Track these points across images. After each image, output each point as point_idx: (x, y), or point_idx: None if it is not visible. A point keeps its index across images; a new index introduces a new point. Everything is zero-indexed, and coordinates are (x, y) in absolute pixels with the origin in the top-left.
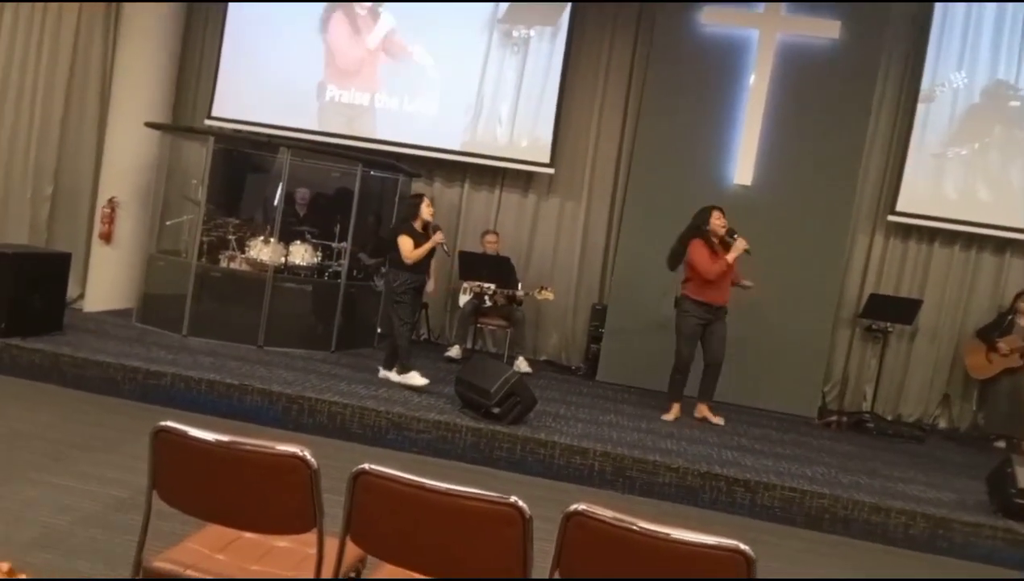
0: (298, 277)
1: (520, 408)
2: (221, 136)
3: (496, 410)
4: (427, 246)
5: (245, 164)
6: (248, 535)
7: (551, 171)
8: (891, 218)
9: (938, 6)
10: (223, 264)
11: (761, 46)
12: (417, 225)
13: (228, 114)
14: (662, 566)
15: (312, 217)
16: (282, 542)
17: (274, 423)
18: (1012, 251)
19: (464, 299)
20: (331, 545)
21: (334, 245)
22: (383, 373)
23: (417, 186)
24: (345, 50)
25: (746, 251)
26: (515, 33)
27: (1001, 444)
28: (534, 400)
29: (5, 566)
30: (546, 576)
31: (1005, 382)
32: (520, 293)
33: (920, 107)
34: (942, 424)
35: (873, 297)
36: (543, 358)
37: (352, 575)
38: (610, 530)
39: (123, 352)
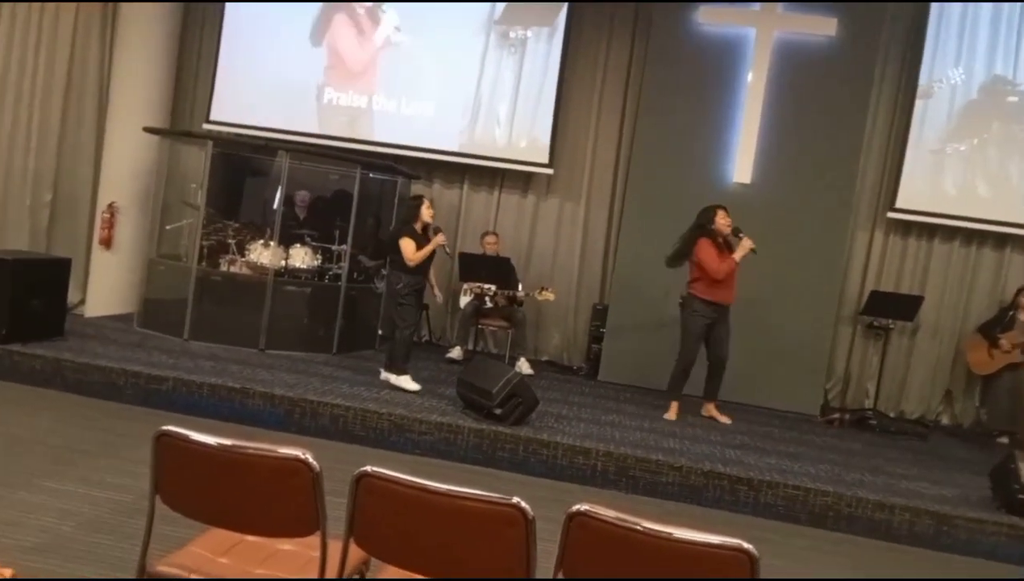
0: (299, 280)
1: (522, 409)
2: (219, 140)
3: (498, 411)
4: (429, 248)
5: (244, 167)
6: (251, 538)
7: (550, 171)
8: (891, 215)
9: (934, 3)
10: (223, 268)
11: (758, 44)
12: (417, 227)
13: (226, 117)
14: (665, 566)
15: (312, 220)
16: (285, 545)
17: (276, 426)
18: (1012, 246)
19: (465, 300)
20: (334, 548)
21: (334, 248)
22: (384, 375)
23: (416, 188)
24: (352, 51)
25: (752, 250)
26: (512, 34)
27: (1004, 440)
28: (536, 401)
29: (8, 572)
30: (549, 577)
31: (1007, 378)
32: (521, 294)
33: (918, 103)
34: (945, 420)
35: (874, 294)
36: (544, 359)
37: (356, 577)
38: (613, 530)
39: (124, 357)
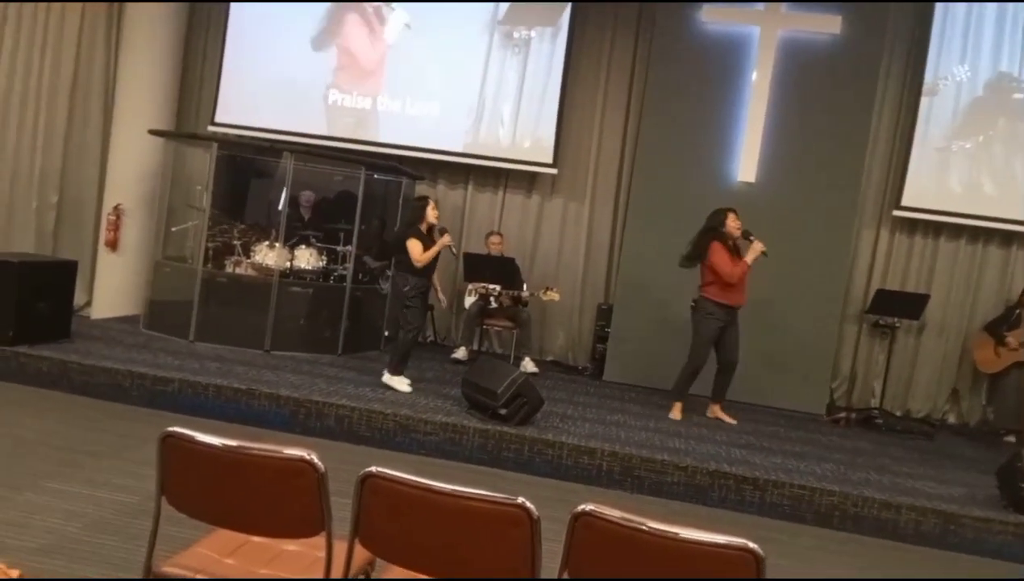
0: (303, 281)
1: (527, 409)
2: (224, 142)
3: (503, 411)
4: (436, 249)
5: (249, 169)
6: (257, 539)
7: (554, 171)
8: (896, 213)
9: (939, 2)
10: (229, 269)
11: (762, 43)
12: (423, 228)
13: (231, 119)
14: (671, 566)
15: (316, 221)
16: (291, 546)
17: (282, 427)
18: (1019, 244)
19: (469, 301)
20: (340, 548)
21: (339, 249)
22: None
23: (420, 188)
24: (365, 50)
25: (763, 253)
26: (516, 34)
27: (1011, 438)
28: (541, 401)
29: (15, 573)
30: (554, 577)
31: (1014, 376)
32: (525, 294)
33: (923, 101)
34: (951, 419)
35: (880, 292)
36: (549, 358)
37: (361, 578)
38: (618, 530)
39: (130, 358)
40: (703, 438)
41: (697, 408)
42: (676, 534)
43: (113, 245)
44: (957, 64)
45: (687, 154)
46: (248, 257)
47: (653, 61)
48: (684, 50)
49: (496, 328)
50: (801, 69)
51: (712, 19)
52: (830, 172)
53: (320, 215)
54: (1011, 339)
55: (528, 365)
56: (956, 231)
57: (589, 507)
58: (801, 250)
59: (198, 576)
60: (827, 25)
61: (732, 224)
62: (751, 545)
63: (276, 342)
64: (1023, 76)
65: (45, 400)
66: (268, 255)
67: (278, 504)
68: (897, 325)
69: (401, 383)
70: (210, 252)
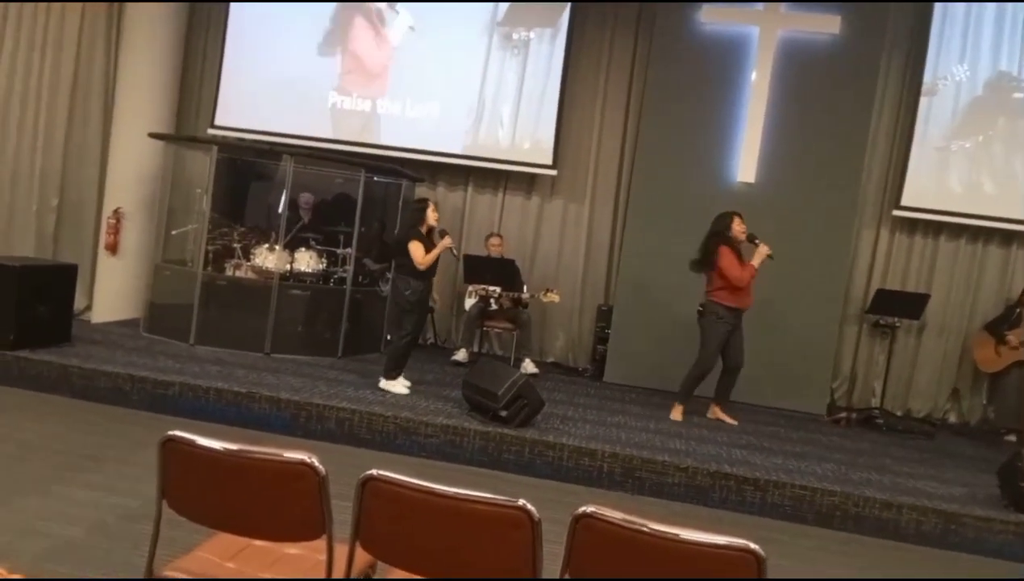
0: (303, 284)
1: (528, 411)
2: (224, 145)
3: (504, 413)
4: (437, 250)
5: (249, 172)
6: (258, 543)
7: (554, 173)
8: (896, 213)
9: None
10: (229, 272)
11: (762, 43)
12: (423, 230)
13: (231, 122)
14: (672, 567)
15: (316, 223)
16: (292, 549)
17: (283, 430)
18: (1019, 243)
19: (470, 303)
20: (341, 551)
21: (339, 251)
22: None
23: (420, 190)
24: (371, 53)
25: (769, 257)
26: (515, 35)
27: (1011, 438)
28: (541, 402)
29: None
30: (556, 578)
31: (1014, 375)
32: (525, 295)
33: (923, 101)
34: (952, 419)
35: (880, 292)
36: (550, 360)
37: (362, 580)
38: (619, 531)
39: (131, 362)
40: (704, 439)
41: (698, 409)
42: (677, 535)
43: (113, 249)
44: (956, 63)
45: (687, 154)
46: (248, 260)
47: (652, 62)
48: (683, 50)
49: (496, 330)
50: (800, 69)
51: (711, 19)
52: (830, 172)
53: (320, 217)
54: (1011, 338)
55: (528, 367)
56: (956, 230)
57: (590, 509)
58: (801, 250)
59: (199, 580)
60: (826, 25)
61: (738, 228)
62: (752, 546)
63: (276, 345)
64: (1022, 75)
65: (46, 404)
66: (268, 258)
67: (279, 507)
68: (897, 325)
69: (398, 386)
70: (210, 255)
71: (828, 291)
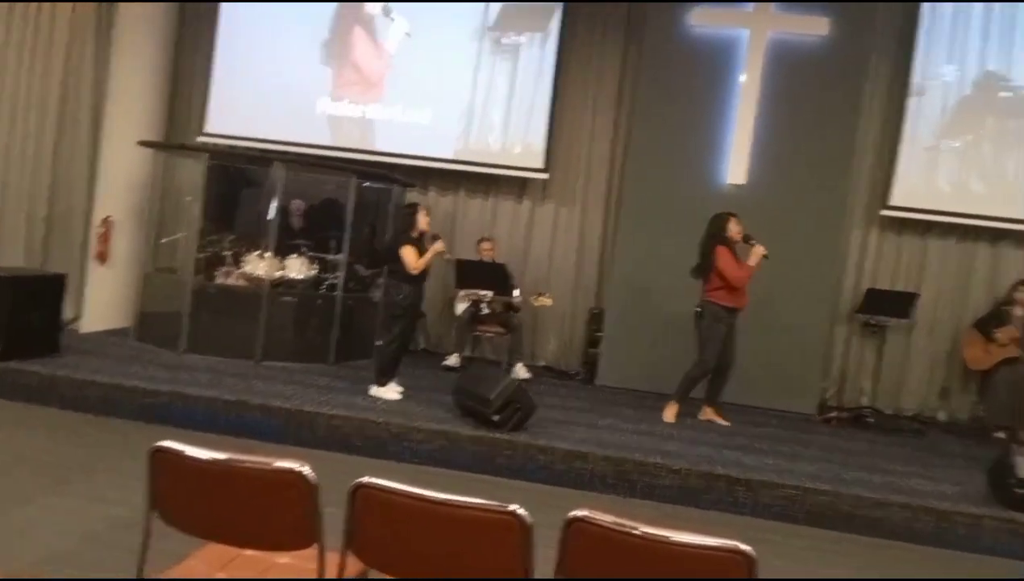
0: (294, 290)
1: (520, 415)
2: (215, 153)
3: (496, 418)
4: (429, 255)
5: (239, 179)
6: (248, 552)
7: (545, 176)
8: (885, 212)
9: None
10: (219, 280)
11: (751, 45)
12: (414, 235)
13: (222, 129)
14: (663, 569)
15: (307, 230)
16: (283, 558)
17: (274, 438)
18: (1007, 242)
19: (461, 307)
20: (332, 560)
21: (330, 257)
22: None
23: (411, 196)
24: (369, 62)
25: (764, 257)
26: (505, 40)
27: (1001, 435)
28: (533, 406)
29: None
30: None
31: (1004, 373)
32: (517, 300)
33: (911, 101)
34: (942, 417)
35: (870, 292)
36: (541, 364)
37: None
38: (611, 535)
39: (121, 372)
40: (695, 440)
41: (689, 411)
42: (668, 538)
43: (103, 258)
44: (945, 64)
45: (678, 157)
46: (239, 267)
47: (643, 65)
48: (674, 53)
49: (488, 334)
50: (790, 70)
51: (701, 22)
52: (819, 173)
53: (311, 224)
54: (1000, 336)
55: (520, 371)
56: (945, 230)
57: (581, 513)
58: (791, 251)
59: None
60: (815, 27)
61: (734, 229)
62: (742, 547)
63: (267, 352)
64: (1010, 75)
65: (35, 415)
66: (258, 265)
67: (269, 516)
68: (887, 324)
69: (390, 392)
70: (201, 263)
71: (818, 291)
